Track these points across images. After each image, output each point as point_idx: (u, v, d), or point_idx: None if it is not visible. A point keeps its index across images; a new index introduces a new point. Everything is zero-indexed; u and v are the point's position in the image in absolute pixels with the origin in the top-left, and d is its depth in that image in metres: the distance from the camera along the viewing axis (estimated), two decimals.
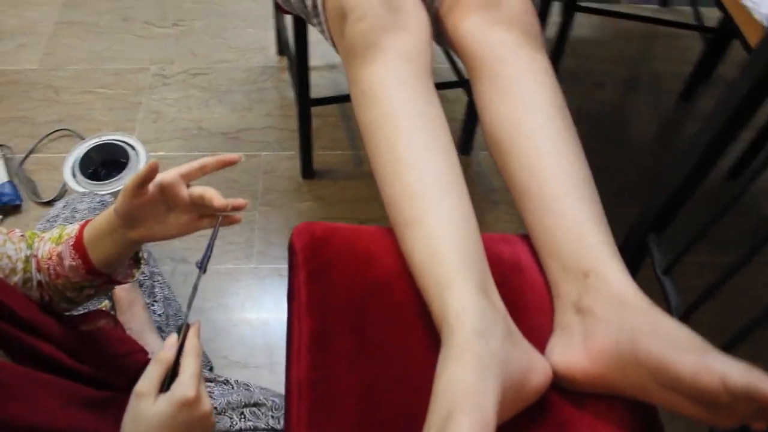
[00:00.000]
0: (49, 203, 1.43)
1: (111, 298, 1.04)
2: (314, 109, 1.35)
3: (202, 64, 1.75)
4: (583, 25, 1.89)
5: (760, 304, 0.64)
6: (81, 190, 1.30)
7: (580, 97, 1.74)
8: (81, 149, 1.37)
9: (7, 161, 1.50)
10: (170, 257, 1.35)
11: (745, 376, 0.51)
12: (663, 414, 0.68)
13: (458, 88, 1.46)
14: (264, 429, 0.81)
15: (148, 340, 1.01)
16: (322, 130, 1.61)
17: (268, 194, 1.49)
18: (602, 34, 1.92)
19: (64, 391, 0.61)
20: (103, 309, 1.01)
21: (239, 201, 0.64)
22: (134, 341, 0.81)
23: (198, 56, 1.77)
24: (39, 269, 0.70)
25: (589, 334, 0.63)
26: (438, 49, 0.98)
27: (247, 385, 0.90)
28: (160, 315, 1.08)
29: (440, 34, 0.92)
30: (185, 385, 0.55)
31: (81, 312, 0.81)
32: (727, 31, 1.57)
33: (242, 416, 0.81)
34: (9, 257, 0.67)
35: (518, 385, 0.60)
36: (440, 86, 1.38)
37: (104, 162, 1.42)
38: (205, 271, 0.62)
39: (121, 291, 1.03)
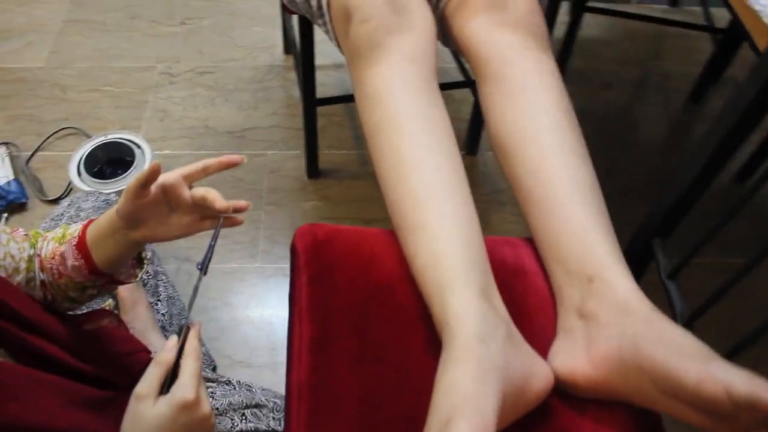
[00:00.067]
0: (55, 201, 1.44)
1: (115, 297, 1.05)
2: (320, 109, 1.35)
3: (209, 62, 1.75)
4: (591, 24, 1.88)
5: (766, 305, 0.64)
6: (86, 188, 1.31)
7: (588, 97, 1.73)
8: (86, 147, 1.38)
9: (14, 159, 1.51)
10: (174, 256, 1.35)
11: (749, 385, 0.50)
12: (666, 420, 0.67)
13: (465, 89, 1.45)
14: (265, 430, 0.81)
15: (151, 339, 1.01)
16: (327, 129, 1.61)
17: (273, 193, 1.49)
18: (611, 34, 1.90)
19: (64, 390, 0.61)
20: (107, 308, 1.01)
21: (241, 203, 0.64)
22: (137, 340, 0.81)
23: (205, 55, 1.77)
24: (42, 269, 0.70)
25: (592, 340, 0.63)
26: (444, 49, 0.97)
27: (249, 386, 0.90)
28: (163, 314, 1.08)
29: (446, 34, 0.92)
30: (185, 387, 0.55)
31: (84, 311, 0.81)
32: (737, 32, 1.55)
33: (243, 417, 0.81)
34: (12, 256, 0.67)
35: (519, 390, 0.60)
36: (447, 86, 1.38)
37: (110, 160, 1.43)
38: (205, 273, 0.62)
39: (124, 290, 1.03)
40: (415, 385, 0.66)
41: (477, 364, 0.56)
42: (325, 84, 1.70)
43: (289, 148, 1.57)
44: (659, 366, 0.56)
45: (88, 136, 1.53)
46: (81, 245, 0.67)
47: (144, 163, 1.37)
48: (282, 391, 0.76)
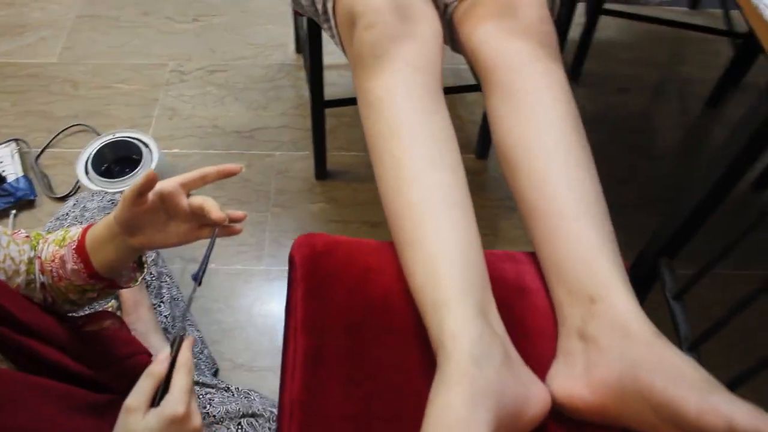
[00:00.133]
0: (63, 199, 1.44)
1: (118, 299, 1.05)
2: (330, 109, 1.33)
3: (220, 60, 1.75)
4: (608, 27, 1.84)
5: None
6: (93, 187, 1.31)
7: (603, 101, 1.70)
8: (94, 146, 1.38)
9: (23, 155, 1.51)
10: (180, 256, 1.35)
11: (752, 420, 0.49)
12: None
13: (478, 91, 1.43)
14: None
15: (153, 341, 1.01)
16: (337, 130, 1.59)
17: (280, 195, 1.48)
18: (628, 36, 1.87)
19: (63, 396, 0.60)
20: (110, 309, 1.01)
21: (238, 213, 0.64)
22: (138, 343, 0.81)
23: (216, 53, 1.77)
24: (42, 271, 0.70)
25: (591, 364, 0.61)
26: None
27: (248, 394, 0.90)
28: (166, 316, 1.08)
29: (454, 40, 0.90)
30: (175, 401, 0.55)
31: (87, 312, 0.81)
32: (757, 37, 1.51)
33: (239, 426, 0.80)
34: (12, 259, 0.67)
35: (514, 414, 0.58)
36: (459, 89, 1.36)
37: (117, 159, 1.42)
38: (200, 284, 0.62)
39: (127, 292, 1.03)
40: (409, 406, 0.65)
41: (470, 388, 0.55)
42: (337, 84, 1.69)
43: (298, 149, 1.56)
44: (659, 394, 0.54)
45: (98, 134, 1.53)
46: (80, 249, 0.67)
47: (151, 162, 1.37)
48: None
